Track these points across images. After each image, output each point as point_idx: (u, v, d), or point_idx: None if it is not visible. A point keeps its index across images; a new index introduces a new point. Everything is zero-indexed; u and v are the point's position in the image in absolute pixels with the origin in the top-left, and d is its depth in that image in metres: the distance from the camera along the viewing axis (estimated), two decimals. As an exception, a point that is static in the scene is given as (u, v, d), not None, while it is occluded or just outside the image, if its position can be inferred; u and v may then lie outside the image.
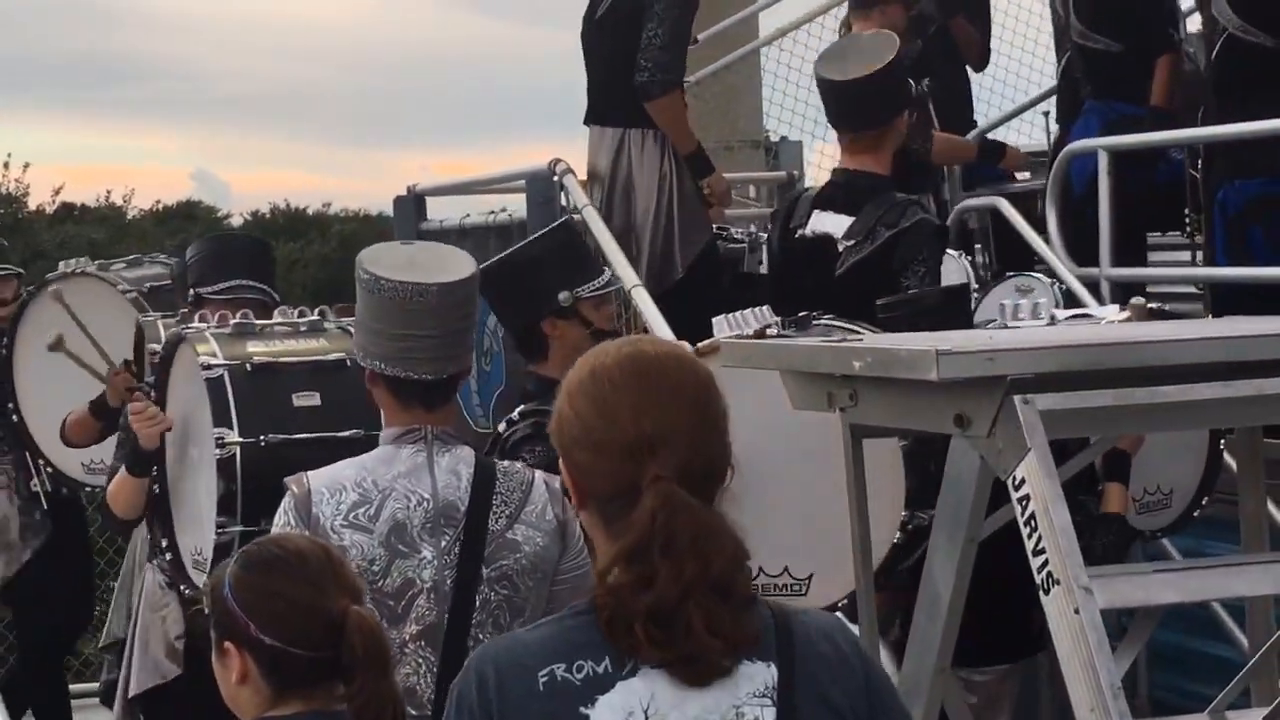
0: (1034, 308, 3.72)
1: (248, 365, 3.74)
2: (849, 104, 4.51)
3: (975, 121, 7.59)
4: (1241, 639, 4.82)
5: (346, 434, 3.58)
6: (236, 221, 27.13)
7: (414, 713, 2.88)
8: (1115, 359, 2.81)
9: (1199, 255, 5.95)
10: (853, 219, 4.40)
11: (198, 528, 3.78)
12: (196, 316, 4.01)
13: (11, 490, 5.65)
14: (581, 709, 1.95)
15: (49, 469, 5.48)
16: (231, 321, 3.86)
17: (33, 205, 24.10)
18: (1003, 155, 7.17)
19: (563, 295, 3.79)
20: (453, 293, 3.07)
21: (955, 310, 4.07)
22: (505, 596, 3.00)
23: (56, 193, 24.51)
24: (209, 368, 3.70)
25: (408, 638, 2.98)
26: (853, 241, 4.39)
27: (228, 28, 55.18)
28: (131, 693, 4.28)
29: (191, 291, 4.46)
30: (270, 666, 2.42)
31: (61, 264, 5.61)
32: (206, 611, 2.51)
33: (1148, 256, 6.40)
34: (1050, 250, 5.95)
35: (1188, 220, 6.02)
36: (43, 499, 5.61)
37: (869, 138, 4.47)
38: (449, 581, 3.00)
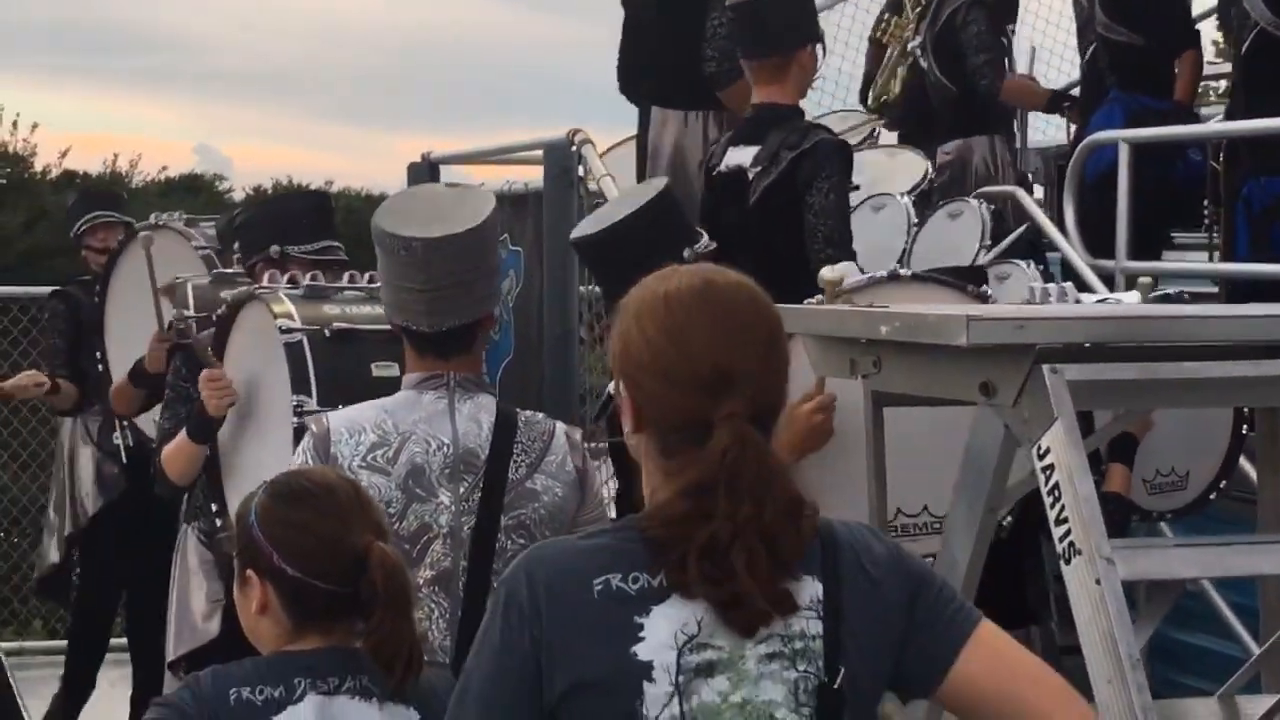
0: (1061, 292, 3.72)
1: (326, 330, 3.62)
2: (752, 28, 4.57)
3: None
4: (1241, 633, 4.85)
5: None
6: (239, 196, 27.04)
7: (429, 659, 2.85)
8: (1146, 333, 2.81)
9: (1216, 252, 5.96)
10: (758, 145, 4.53)
11: None
12: (269, 276, 3.92)
13: (94, 442, 5.68)
14: (636, 618, 1.96)
15: (128, 424, 5.40)
16: (304, 283, 3.76)
17: (38, 167, 24.12)
18: (1072, 110, 7.11)
19: (687, 253, 3.72)
20: (440, 247, 3.01)
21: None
22: (522, 546, 2.98)
23: (63, 156, 24.41)
24: (288, 331, 3.60)
25: (422, 582, 2.97)
26: (760, 168, 4.50)
27: (236, 2, 55.78)
28: (173, 656, 4.23)
29: (276, 249, 4.25)
30: (291, 598, 2.42)
31: (153, 215, 5.50)
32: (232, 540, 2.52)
33: (1162, 253, 6.41)
34: (1065, 240, 5.95)
35: (1206, 213, 6.02)
36: (122, 453, 5.56)
37: (772, 66, 4.53)
38: (466, 528, 2.99)
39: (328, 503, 2.45)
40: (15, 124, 23.03)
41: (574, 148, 5.32)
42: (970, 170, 6.35)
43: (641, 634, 1.96)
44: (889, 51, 7.01)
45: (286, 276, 3.84)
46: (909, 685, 2.11)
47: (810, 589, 1.96)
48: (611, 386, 3.22)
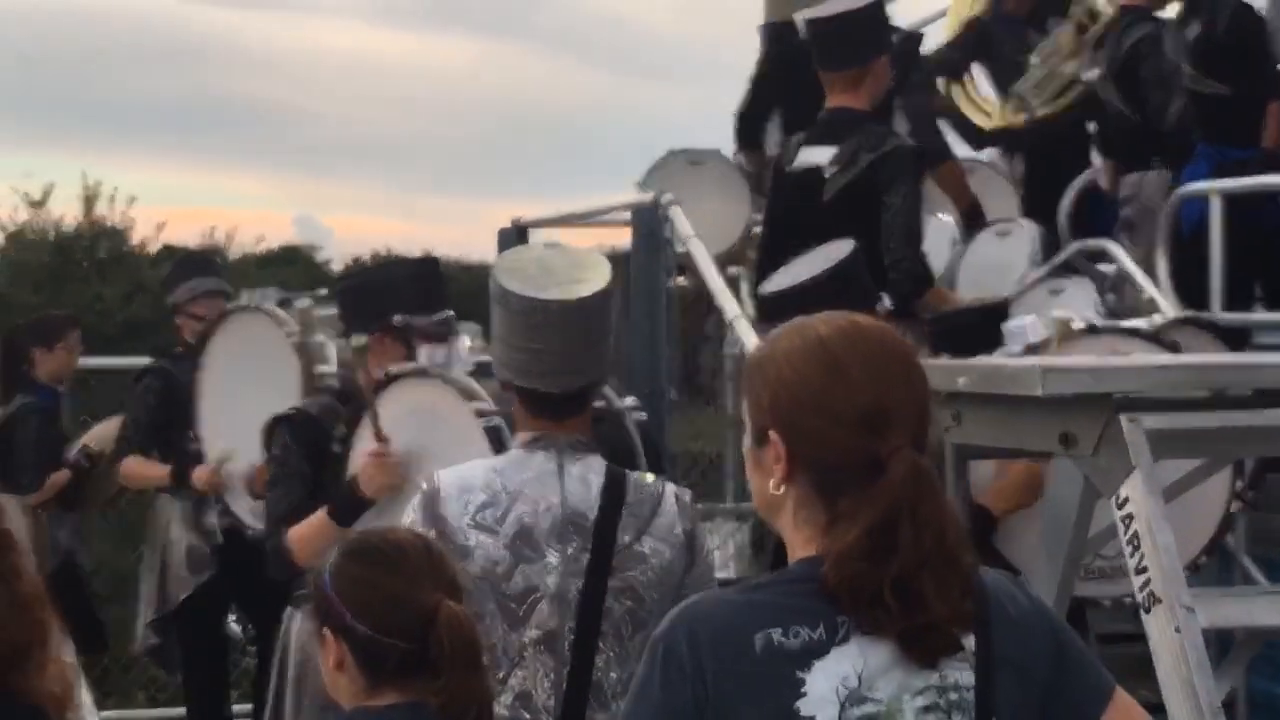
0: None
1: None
2: (829, 42, 4.91)
3: None
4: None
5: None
6: (337, 266, 27.80)
7: (527, 717, 2.95)
8: (1226, 379, 2.83)
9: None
10: (836, 145, 4.85)
11: None
12: (394, 345, 4.06)
13: (193, 524, 5.64)
14: (798, 673, 1.99)
15: (219, 504, 5.40)
16: (473, 359, 3.97)
17: (136, 241, 24.95)
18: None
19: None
20: (577, 309, 3.09)
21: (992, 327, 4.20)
22: (629, 608, 3.03)
23: (159, 229, 25.19)
24: (484, 414, 3.71)
25: (527, 641, 3.00)
26: (838, 168, 4.80)
27: (325, 73, 58.27)
28: None
29: (400, 318, 4.23)
30: (364, 655, 2.50)
31: (245, 293, 5.63)
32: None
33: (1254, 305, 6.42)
34: (1160, 293, 5.96)
35: None
36: (218, 533, 5.55)
37: (849, 76, 4.84)
38: (573, 589, 3.04)
39: (397, 561, 2.54)
40: (113, 198, 23.87)
41: (661, 210, 5.44)
42: (1155, 200, 6.45)
43: (804, 689, 1.99)
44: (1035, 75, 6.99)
45: (422, 348, 3.96)
46: None
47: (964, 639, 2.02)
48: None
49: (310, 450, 4.03)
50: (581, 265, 3.19)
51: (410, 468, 3.79)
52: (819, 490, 2.02)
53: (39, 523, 6.01)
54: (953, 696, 2.01)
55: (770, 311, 4.30)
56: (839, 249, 4.40)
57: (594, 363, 3.15)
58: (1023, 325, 3.80)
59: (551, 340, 3.05)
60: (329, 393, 4.36)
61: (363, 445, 3.87)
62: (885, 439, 1.99)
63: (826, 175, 4.81)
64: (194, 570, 5.59)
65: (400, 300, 4.24)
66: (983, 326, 4.10)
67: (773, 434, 2.05)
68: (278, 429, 4.20)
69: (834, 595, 1.98)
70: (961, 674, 2.00)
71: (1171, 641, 2.72)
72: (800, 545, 2.04)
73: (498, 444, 3.67)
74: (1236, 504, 4.02)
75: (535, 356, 3.05)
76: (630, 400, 4.36)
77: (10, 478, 6.07)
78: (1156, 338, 3.78)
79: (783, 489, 2.06)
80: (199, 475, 5.30)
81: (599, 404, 3.65)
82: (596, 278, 3.13)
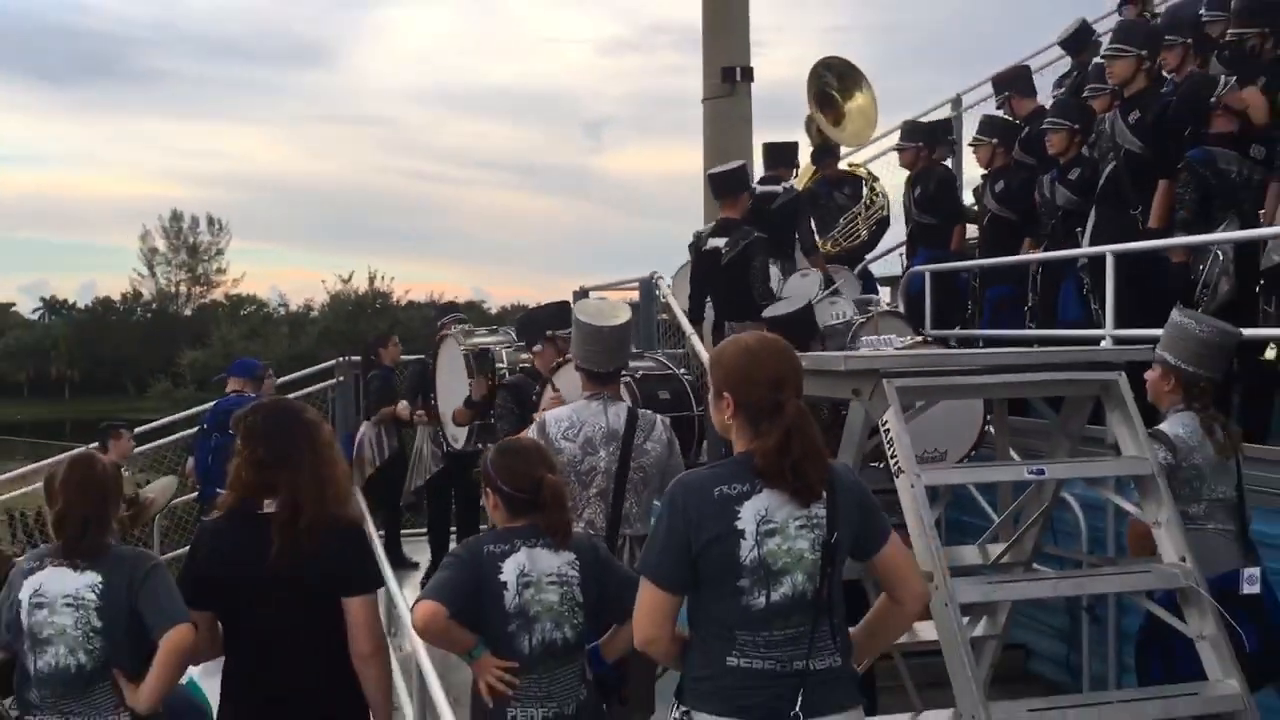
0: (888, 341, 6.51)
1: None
2: (719, 186, 8.90)
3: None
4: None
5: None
6: (494, 310, 48.46)
7: (591, 532, 5.04)
8: (933, 362, 5.34)
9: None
10: (726, 238, 8.64)
11: None
12: (550, 347, 7.22)
13: (434, 441, 9.57)
14: (735, 507, 3.25)
15: (443, 433, 9.68)
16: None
17: (394, 297, 49.89)
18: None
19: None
20: (612, 332, 5.45)
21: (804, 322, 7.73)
22: (641, 477, 5.34)
23: (406, 292, 46.85)
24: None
25: (591, 495, 5.31)
26: (728, 249, 8.60)
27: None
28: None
29: (550, 333, 7.45)
30: (507, 500, 4.22)
31: (449, 320, 10.28)
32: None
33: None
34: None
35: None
36: (441, 450, 9.91)
37: (730, 203, 8.84)
38: (613, 468, 5.31)
39: (521, 453, 4.29)
40: (383, 277, 46.12)
41: (654, 280, 9.44)
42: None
43: (739, 513, 3.22)
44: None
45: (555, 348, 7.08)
46: (860, 554, 3.45)
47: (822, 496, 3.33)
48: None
49: (519, 401, 6.69)
50: (615, 309, 5.77)
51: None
52: (749, 421, 3.35)
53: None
54: (814, 520, 3.29)
55: (779, 327, 7.50)
56: (804, 293, 8.30)
57: (621, 358, 5.64)
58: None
59: (601, 345, 5.50)
60: (523, 373, 7.42)
61: (546, 396, 6.47)
62: (783, 392, 3.31)
63: (723, 252, 8.50)
64: (435, 464, 9.97)
65: (552, 324, 7.31)
66: (799, 322, 7.29)
67: (725, 393, 3.39)
68: (500, 391, 7.13)
69: (757, 469, 3.25)
70: (820, 510, 3.28)
71: (909, 494, 4.69)
72: (740, 447, 3.36)
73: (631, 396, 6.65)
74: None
75: (593, 353, 5.49)
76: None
77: (380, 406, 10.88)
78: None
79: (730, 421, 3.39)
80: (403, 411, 10.34)
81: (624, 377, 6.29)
82: (623, 315, 5.69)
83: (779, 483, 3.28)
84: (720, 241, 8.64)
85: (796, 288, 9.08)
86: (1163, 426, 5.36)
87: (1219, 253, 7.32)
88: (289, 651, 4.09)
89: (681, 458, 5.58)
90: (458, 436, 9.11)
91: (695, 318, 8.92)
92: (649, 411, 5.62)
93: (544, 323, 7.76)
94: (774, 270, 8.87)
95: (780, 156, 10.35)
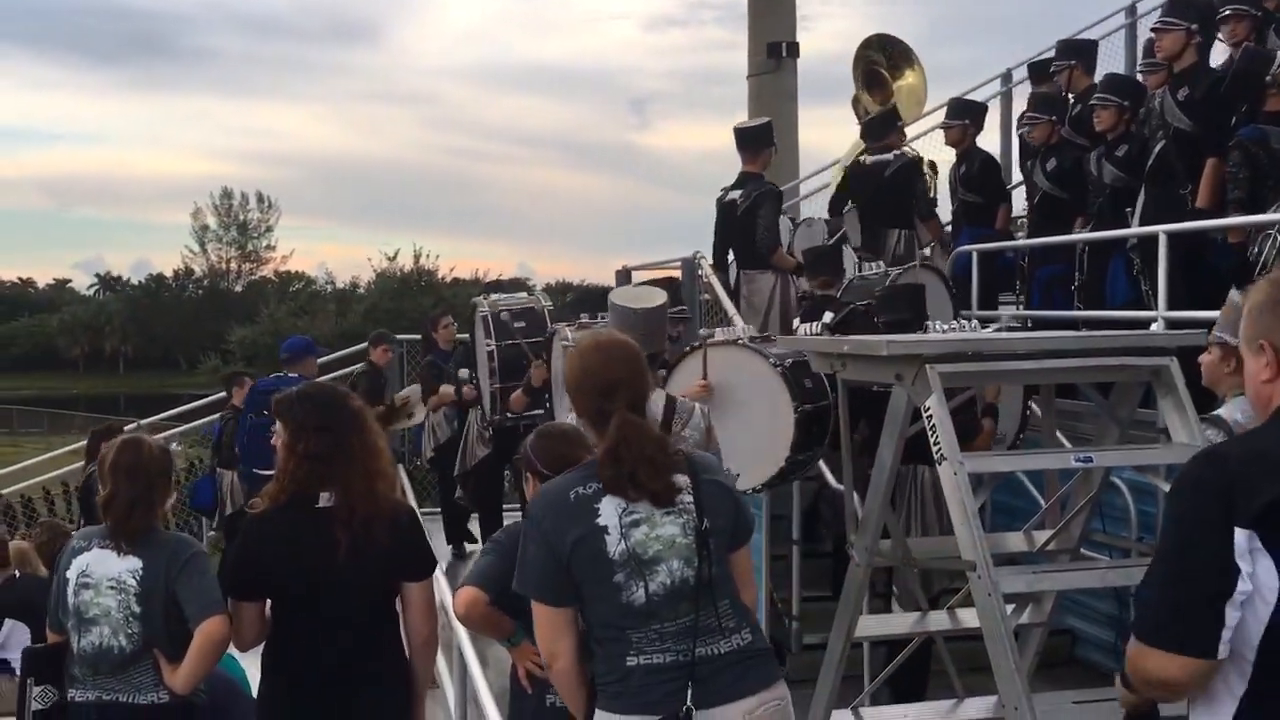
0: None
1: None
2: (743, 139, 9.67)
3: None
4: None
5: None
6: (540, 286, 49.11)
7: None
8: (979, 347, 5.28)
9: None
10: (741, 190, 9.58)
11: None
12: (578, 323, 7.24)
13: (480, 420, 9.69)
14: (594, 505, 3.38)
15: (483, 411, 10.02)
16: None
17: (440, 274, 48.37)
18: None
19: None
20: (647, 315, 5.57)
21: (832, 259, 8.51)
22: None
23: (451, 269, 48.55)
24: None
25: None
26: (743, 201, 9.52)
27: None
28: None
29: (586, 315, 7.84)
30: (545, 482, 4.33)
31: (473, 299, 10.53)
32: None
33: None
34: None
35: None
36: (489, 428, 10.06)
37: (749, 156, 9.65)
38: None
39: (561, 438, 4.36)
40: (428, 255, 46.58)
41: (696, 260, 9.80)
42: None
43: (599, 512, 3.33)
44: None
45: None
46: (733, 543, 3.54)
47: (684, 481, 3.41)
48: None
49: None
50: (650, 293, 5.80)
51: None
52: (591, 426, 3.54)
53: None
54: (683, 506, 3.40)
55: (805, 254, 8.95)
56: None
57: (657, 341, 5.70)
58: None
59: (637, 326, 5.53)
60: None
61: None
62: (613, 401, 3.39)
63: (738, 203, 9.20)
64: (481, 446, 10.15)
65: (592, 305, 7.62)
66: (827, 258, 8.51)
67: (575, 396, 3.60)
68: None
69: (599, 478, 3.36)
70: (687, 496, 3.39)
71: (952, 481, 4.54)
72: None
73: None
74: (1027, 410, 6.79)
75: (630, 334, 5.49)
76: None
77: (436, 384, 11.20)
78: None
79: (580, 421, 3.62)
80: (446, 395, 10.70)
81: None
82: (658, 299, 5.72)
83: (622, 493, 3.35)
84: (737, 194, 9.57)
85: (805, 236, 10.46)
86: (1221, 411, 5.26)
87: (1277, 234, 7.20)
88: (341, 637, 4.19)
89: (719, 445, 5.56)
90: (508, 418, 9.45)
91: (718, 264, 9.87)
92: (687, 399, 5.61)
93: (590, 302, 8.03)
94: (783, 221, 10.08)
95: (887, 125, 10.57)
